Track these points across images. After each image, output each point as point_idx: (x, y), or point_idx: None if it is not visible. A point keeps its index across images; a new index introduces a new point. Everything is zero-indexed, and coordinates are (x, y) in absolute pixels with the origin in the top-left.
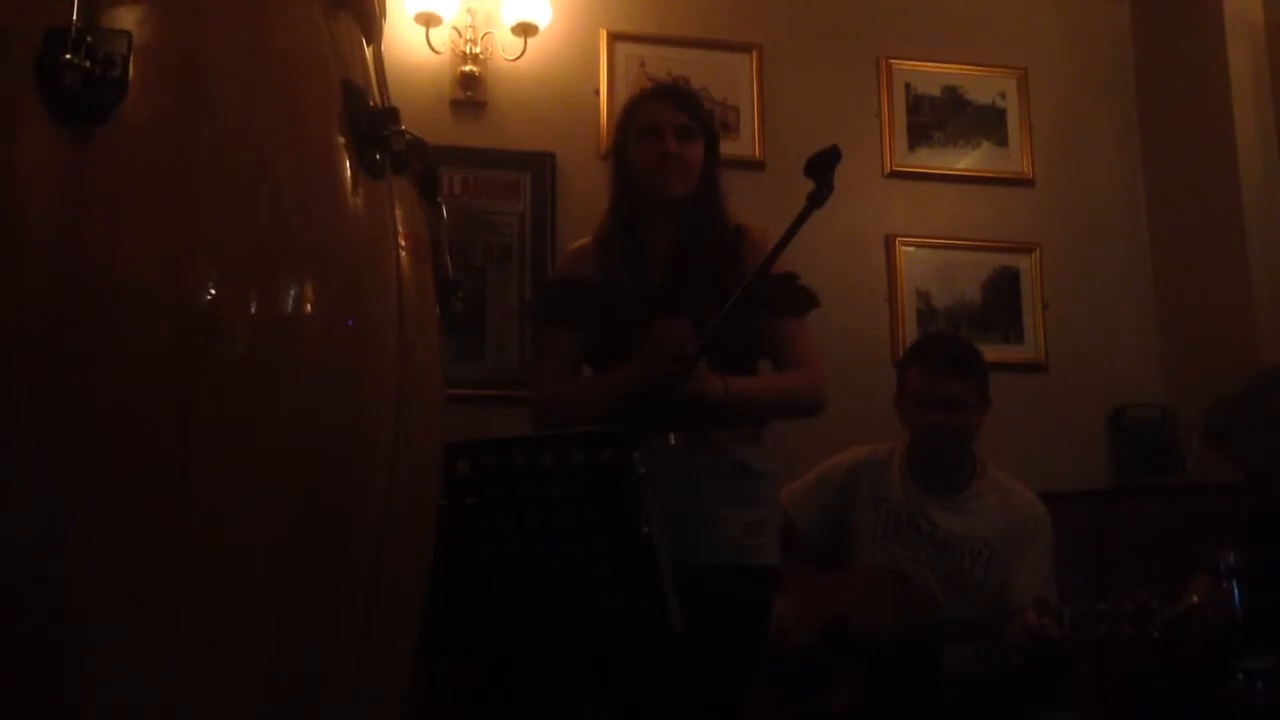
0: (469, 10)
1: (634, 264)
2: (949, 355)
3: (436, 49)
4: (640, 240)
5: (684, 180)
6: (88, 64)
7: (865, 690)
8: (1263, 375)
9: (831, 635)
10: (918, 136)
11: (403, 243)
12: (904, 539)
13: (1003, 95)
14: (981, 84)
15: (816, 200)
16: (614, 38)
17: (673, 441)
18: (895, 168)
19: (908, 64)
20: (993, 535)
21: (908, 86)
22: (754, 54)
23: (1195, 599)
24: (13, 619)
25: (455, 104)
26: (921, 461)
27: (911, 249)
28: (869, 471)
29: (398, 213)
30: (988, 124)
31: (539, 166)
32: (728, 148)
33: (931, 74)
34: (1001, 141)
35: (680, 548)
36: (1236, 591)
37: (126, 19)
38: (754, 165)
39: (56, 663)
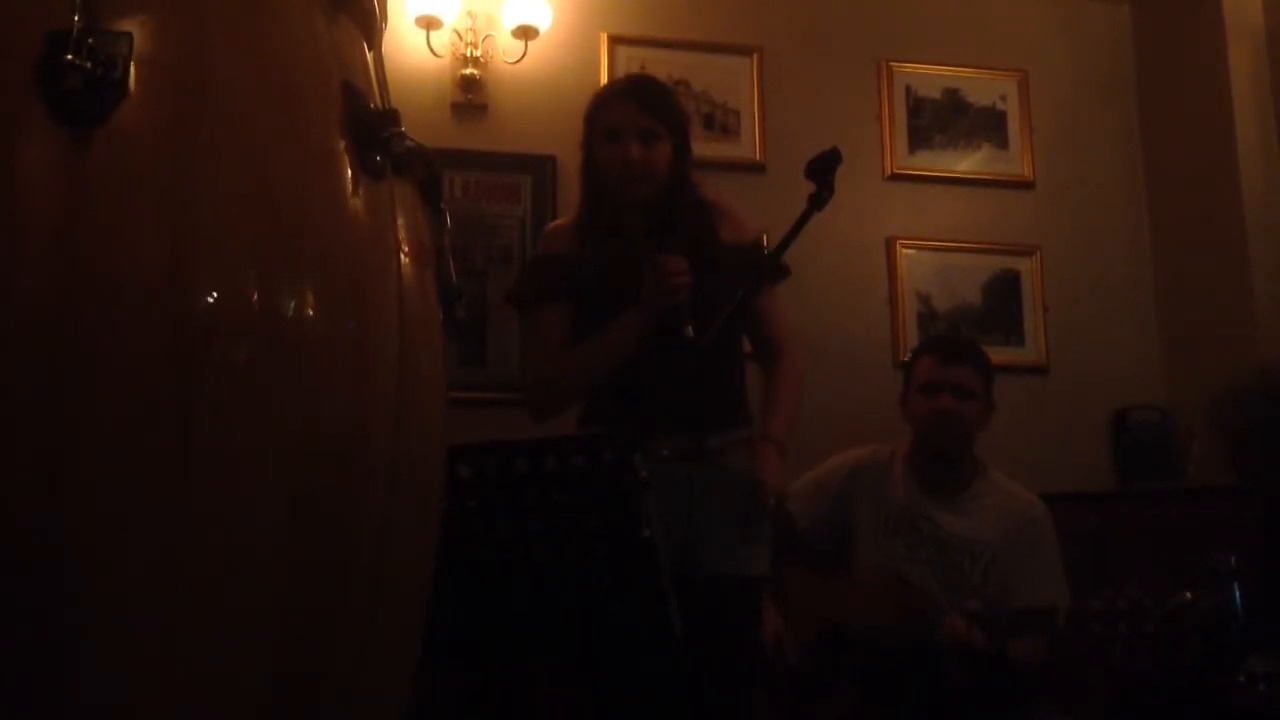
0: (470, 13)
1: (614, 245)
2: (958, 344)
3: (437, 52)
4: (617, 228)
5: (649, 183)
6: (89, 66)
7: (864, 698)
8: (1269, 372)
9: (830, 637)
10: (918, 139)
11: (405, 248)
12: (905, 540)
13: (1003, 98)
14: (982, 86)
15: (817, 203)
16: (614, 41)
17: (665, 453)
18: (896, 170)
19: (908, 66)
20: (994, 538)
21: (908, 89)
22: (754, 57)
23: (1189, 595)
24: (10, 622)
25: (456, 107)
26: (923, 460)
27: (912, 251)
28: (870, 472)
29: (399, 217)
30: (988, 126)
31: (540, 169)
32: (728, 150)
33: (932, 76)
34: (1002, 144)
35: (672, 558)
36: (1238, 594)
37: (127, 21)
38: (754, 168)
39: (54, 665)
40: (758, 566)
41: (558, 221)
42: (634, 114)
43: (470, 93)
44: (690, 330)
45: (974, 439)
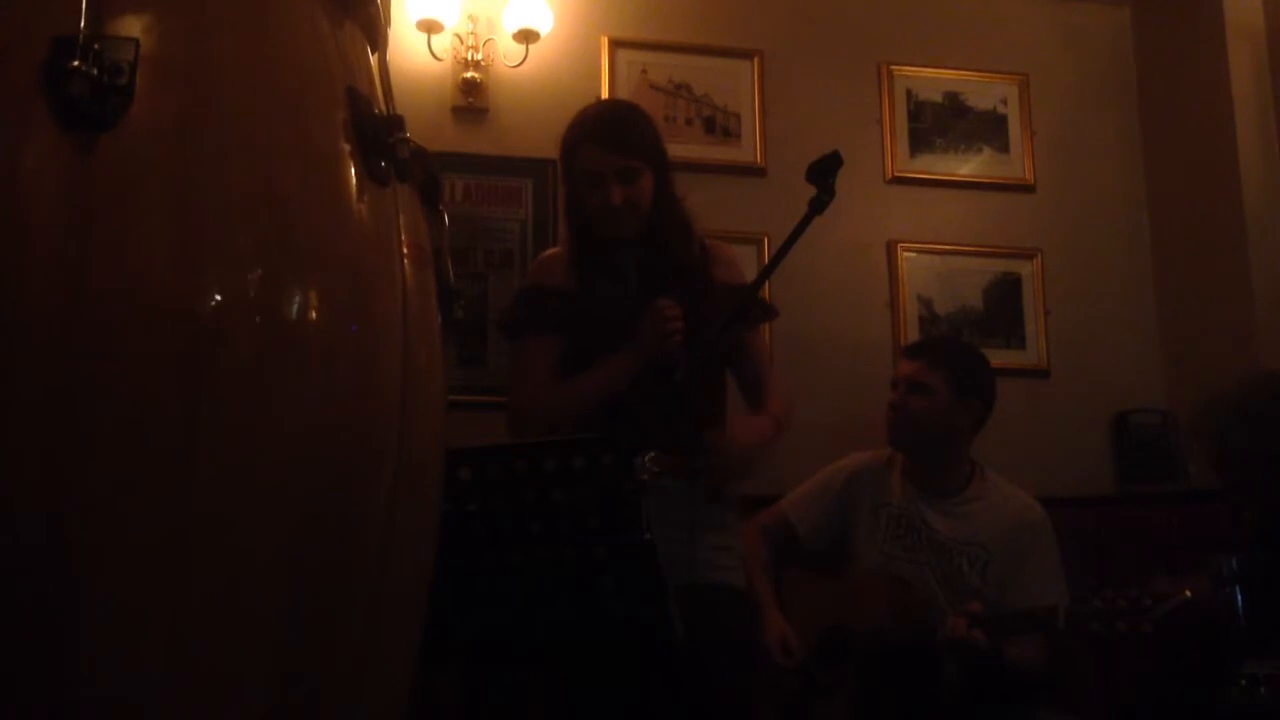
0: (471, 17)
1: (607, 277)
2: (922, 341)
3: (438, 56)
4: (608, 265)
5: (634, 220)
6: (95, 72)
7: (865, 700)
8: (1251, 379)
9: (830, 639)
10: (919, 142)
11: (405, 250)
12: (903, 542)
13: (1004, 101)
14: (983, 90)
15: (818, 206)
16: (615, 44)
17: (655, 469)
18: (897, 174)
19: (909, 70)
20: (990, 539)
21: (909, 92)
22: (755, 60)
23: (1188, 593)
24: (16, 623)
25: (457, 110)
26: (918, 463)
27: (913, 255)
28: (869, 476)
29: (401, 220)
30: (989, 130)
31: (540, 173)
32: (729, 154)
33: (933, 80)
34: (1003, 147)
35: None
36: (1239, 597)
37: (133, 27)
38: (755, 171)
39: (56, 666)
40: (734, 578)
41: (551, 251)
42: (610, 158)
43: (471, 96)
44: (680, 376)
45: (951, 437)
